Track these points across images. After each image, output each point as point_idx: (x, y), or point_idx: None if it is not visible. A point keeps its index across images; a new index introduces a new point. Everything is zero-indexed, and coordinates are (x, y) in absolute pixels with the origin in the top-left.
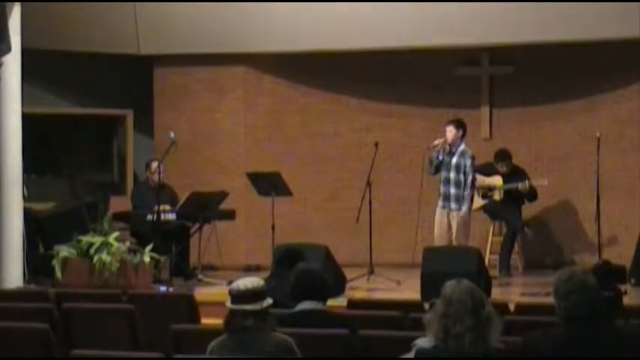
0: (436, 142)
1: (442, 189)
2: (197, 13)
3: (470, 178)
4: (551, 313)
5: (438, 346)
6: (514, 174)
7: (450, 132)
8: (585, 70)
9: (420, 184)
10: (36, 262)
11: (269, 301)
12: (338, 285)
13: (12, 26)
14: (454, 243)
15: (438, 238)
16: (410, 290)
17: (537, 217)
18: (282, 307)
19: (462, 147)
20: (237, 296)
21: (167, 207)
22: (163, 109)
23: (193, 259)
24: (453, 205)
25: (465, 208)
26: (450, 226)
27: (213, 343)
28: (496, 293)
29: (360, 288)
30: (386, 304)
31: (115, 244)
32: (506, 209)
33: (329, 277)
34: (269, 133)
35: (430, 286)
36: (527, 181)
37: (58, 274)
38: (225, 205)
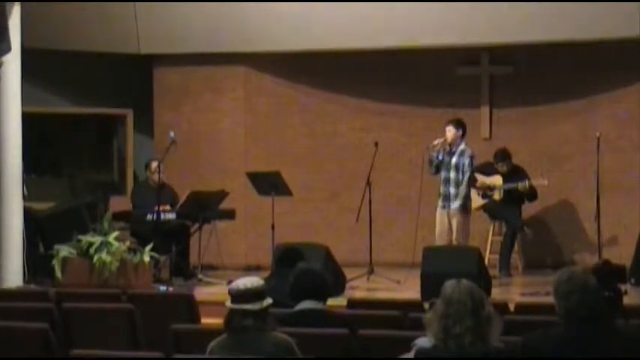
0: (436, 141)
1: (442, 189)
2: (197, 12)
3: (467, 175)
4: (551, 313)
5: (437, 346)
6: (514, 174)
7: (450, 132)
8: (585, 70)
9: (420, 184)
10: (36, 262)
11: (269, 300)
12: (338, 285)
13: (12, 26)
14: (454, 243)
15: (439, 237)
16: (410, 290)
17: (537, 217)
18: (282, 307)
19: (462, 146)
20: (237, 296)
21: (167, 207)
22: (163, 108)
23: (193, 258)
24: (453, 205)
25: (458, 202)
26: (450, 226)
27: (213, 343)
28: (496, 293)
29: (360, 288)
30: (386, 304)
31: (115, 243)
32: (506, 209)
33: (329, 277)
34: (269, 132)
35: (430, 285)
36: (527, 181)
37: (58, 273)
38: (225, 205)
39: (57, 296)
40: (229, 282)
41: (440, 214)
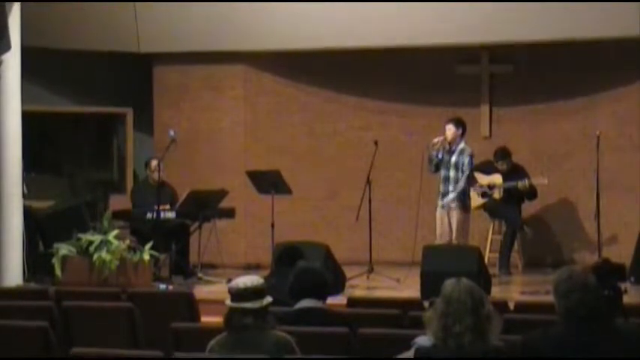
0: (436, 140)
1: (442, 187)
2: (197, 11)
3: (466, 173)
4: (550, 312)
5: (437, 344)
6: (514, 172)
7: (450, 130)
8: (585, 69)
9: (420, 183)
10: (36, 261)
11: (268, 299)
12: (338, 283)
13: (12, 24)
14: (454, 242)
15: (440, 238)
16: (409, 289)
17: (537, 216)
18: (281, 306)
19: (462, 145)
20: (237, 294)
21: (167, 205)
22: (163, 107)
23: (193, 257)
24: (453, 204)
25: (451, 196)
26: (450, 225)
27: (212, 342)
28: (496, 292)
29: (359, 286)
30: (386, 303)
31: (115, 242)
32: (505, 208)
33: (329, 276)
34: (268, 131)
35: (430, 284)
36: (527, 180)
37: (58, 272)
38: (224, 204)
39: (57, 295)
40: (229, 281)
41: (440, 213)
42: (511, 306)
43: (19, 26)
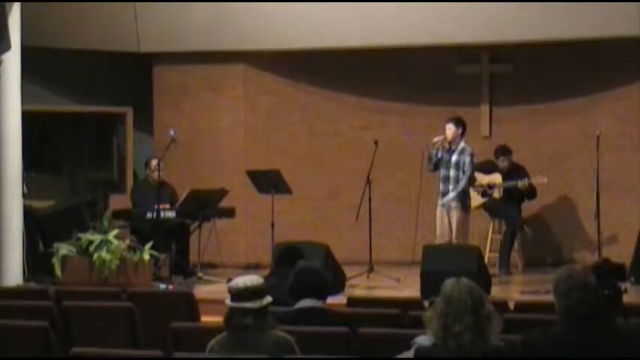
0: (435, 139)
1: (441, 187)
2: (197, 11)
3: (467, 173)
4: (550, 311)
5: (437, 344)
6: (514, 172)
7: (450, 130)
8: (585, 69)
9: (420, 182)
10: (36, 260)
11: (268, 299)
12: (338, 283)
13: (12, 24)
14: (454, 241)
15: (440, 238)
16: (409, 288)
17: (537, 215)
18: (281, 305)
19: (462, 145)
20: (237, 294)
21: (167, 205)
22: (163, 106)
23: (193, 256)
24: (453, 204)
25: (451, 195)
26: (450, 224)
27: (212, 341)
28: (496, 291)
29: (359, 286)
30: (385, 302)
31: (115, 241)
32: (505, 207)
33: (329, 275)
34: (269, 131)
35: (430, 284)
36: (526, 179)
37: (58, 271)
38: (224, 203)
39: (57, 294)
40: (229, 280)
41: (440, 213)
42: (511, 306)
43: (19, 26)
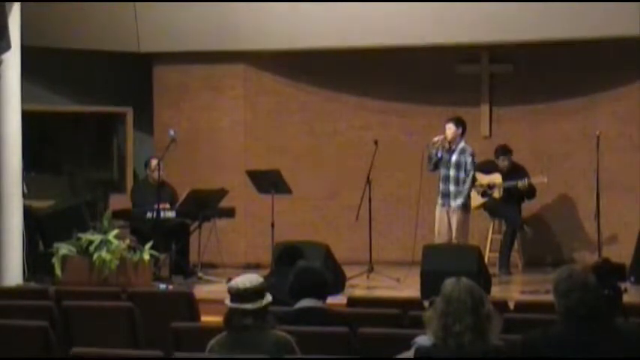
0: (435, 138)
1: (441, 186)
2: (197, 11)
3: (471, 174)
4: (550, 311)
5: (437, 344)
6: (514, 171)
7: (450, 129)
8: (585, 68)
9: (420, 182)
10: (36, 260)
11: (268, 298)
12: (338, 283)
13: (12, 24)
14: (454, 241)
15: (439, 235)
16: (409, 288)
17: (537, 215)
18: (281, 305)
19: (462, 144)
20: (237, 295)
21: (167, 205)
22: (163, 106)
23: (193, 256)
24: (453, 203)
25: (460, 200)
26: (450, 224)
27: (212, 341)
28: (496, 291)
29: (359, 286)
30: (385, 302)
31: (115, 241)
32: (506, 207)
33: (329, 275)
34: (269, 130)
35: (430, 284)
36: (526, 179)
37: (58, 271)
38: (224, 203)
39: (57, 294)
40: (229, 280)
41: (439, 212)
42: (511, 305)
43: (19, 26)
